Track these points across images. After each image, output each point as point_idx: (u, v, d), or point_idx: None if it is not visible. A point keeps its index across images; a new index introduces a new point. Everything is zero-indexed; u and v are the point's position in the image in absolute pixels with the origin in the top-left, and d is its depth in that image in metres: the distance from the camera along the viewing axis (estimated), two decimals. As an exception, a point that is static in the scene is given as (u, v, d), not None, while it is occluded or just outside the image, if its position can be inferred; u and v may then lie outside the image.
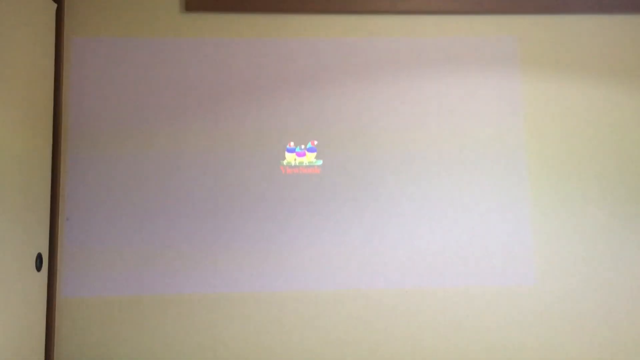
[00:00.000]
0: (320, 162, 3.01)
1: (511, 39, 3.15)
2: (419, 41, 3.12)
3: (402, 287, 2.95)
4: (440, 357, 2.93)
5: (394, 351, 2.92)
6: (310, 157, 3.01)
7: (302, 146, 3.02)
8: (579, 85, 3.14)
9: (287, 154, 3.01)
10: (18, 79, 2.54)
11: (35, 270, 2.69)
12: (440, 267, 2.97)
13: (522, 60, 3.14)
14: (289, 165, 3.00)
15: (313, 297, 2.93)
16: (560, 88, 3.13)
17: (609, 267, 3.03)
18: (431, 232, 2.99)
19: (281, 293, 2.92)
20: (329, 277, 2.94)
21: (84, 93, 2.98)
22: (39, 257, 2.72)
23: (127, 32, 3.03)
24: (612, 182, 3.08)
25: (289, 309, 2.92)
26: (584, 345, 2.97)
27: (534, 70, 3.14)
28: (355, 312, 2.94)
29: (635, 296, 3.02)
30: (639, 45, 3.18)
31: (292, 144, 3.02)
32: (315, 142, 3.02)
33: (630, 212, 3.06)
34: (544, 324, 2.97)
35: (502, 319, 2.97)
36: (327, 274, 2.94)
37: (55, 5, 2.94)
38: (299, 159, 3.01)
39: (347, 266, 2.95)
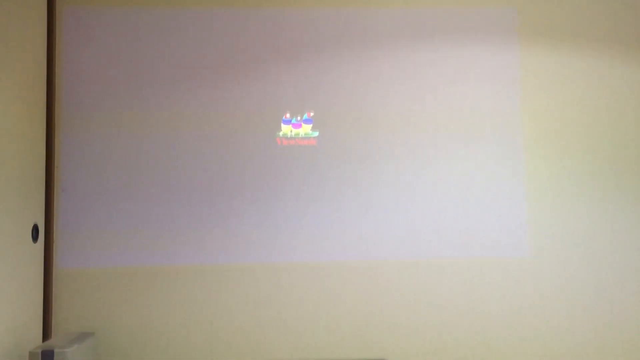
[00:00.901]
0: (316, 134, 3.00)
1: (511, 10, 3.11)
2: (417, 12, 3.07)
3: (397, 259, 2.97)
4: (435, 327, 2.96)
5: (389, 321, 2.94)
6: (306, 129, 2.99)
7: (298, 117, 3.00)
8: (577, 57, 3.11)
9: (283, 126, 2.99)
10: (9, 49, 2.51)
11: (32, 241, 2.70)
12: (435, 239, 2.98)
13: (521, 31, 3.10)
14: (285, 137, 2.99)
15: (308, 268, 2.95)
16: (559, 60, 3.10)
17: (602, 240, 3.04)
18: (427, 204, 2.99)
19: (276, 264, 2.94)
20: (324, 249, 2.95)
21: (77, 64, 2.94)
22: (35, 228, 2.72)
23: (120, 2, 2.98)
24: (608, 155, 3.07)
25: (284, 280, 2.94)
26: (576, 315, 3.00)
27: (532, 41, 3.10)
28: (351, 284, 2.96)
29: (626, 268, 3.03)
30: (637, 17, 3.14)
31: (288, 115, 3.00)
32: (312, 114, 3.00)
33: (625, 185, 3.06)
34: (537, 294, 3.00)
35: (497, 290, 2.99)
36: (322, 246, 2.95)
37: (46, -27, 2.89)
38: (295, 131, 2.99)
39: (343, 238, 2.96)
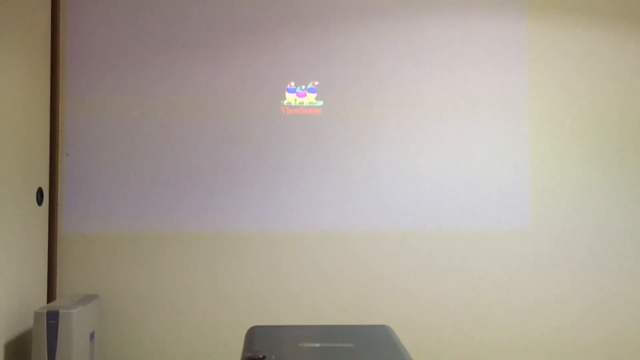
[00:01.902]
0: (320, 103, 2.99)
1: (519, -19, 3.07)
2: (425, -19, 3.04)
3: (400, 229, 2.99)
4: (436, 296, 2.99)
5: (391, 289, 2.97)
6: (310, 98, 2.99)
7: (303, 86, 2.99)
8: (586, 31, 3.08)
9: (287, 94, 2.98)
10: (13, 17, 2.49)
11: (37, 204, 2.72)
12: (438, 210, 3.00)
13: (530, 3, 3.07)
14: (289, 106, 2.98)
15: (311, 236, 2.97)
16: (567, 34, 3.07)
17: (604, 214, 3.05)
18: (430, 175, 3.00)
19: (279, 232, 2.96)
20: (327, 218, 2.97)
21: (81, 27, 2.92)
22: (40, 192, 2.74)
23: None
24: (613, 130, 3.07)
25: (286, 247, 2.97)
26: (575, 286, 3.03)
27: (541, 14, 3.07)
28: (353, 252, 2.98)
29: (627, 240, 3.05)
30: (649, -10, 3.11)
31: (292, 84, 2.99)
32: (316, 83, 2.99)
33: (629, 160, 3.06)
34: (538, 266, 3.02)
35: (499, 261, 3.01)
36: (325, 215, 2.97)
37: None
38: (299, 100, 2.98)
39: (346, 207, 2.97)
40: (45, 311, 2.42)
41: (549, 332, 3.01)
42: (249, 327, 2.90)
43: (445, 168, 3.01)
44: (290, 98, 2.98)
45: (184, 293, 2.93)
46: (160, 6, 2.95)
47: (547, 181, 3.04)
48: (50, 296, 2.84)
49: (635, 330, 3.03)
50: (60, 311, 2.42)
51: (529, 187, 3.03)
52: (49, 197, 2.85)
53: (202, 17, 2.97)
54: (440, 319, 2.98)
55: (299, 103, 2.98)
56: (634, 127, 3.07)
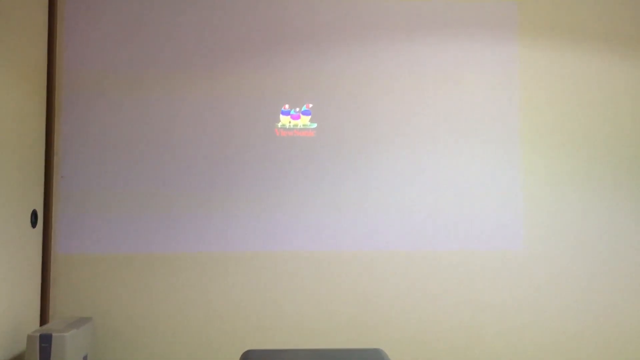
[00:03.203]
0: (314, 125, 3.02)
1: (511, 5, 3.13)
2: (417, 5, 3.09)
3: (393, 250, 3.00)
4: (429, 318, 2.99)
5: (384, 312, 2.98)
6: (304, 120, 3.02)
7: (297, 109, 3.02)
8: (577, 53, 3.13)
9: (282, 117, 3.01)
10: (10, 35, 2.52)
11: (31, 227, 2.72)
12: (431, 231, 3.01)
13: (521, 26, 3.12)
14: (284, 128, 3.01)
15: (305, 258, 2.98)
16: (558, 56, 3.12)
17: (596, 235, 3.07)
18: (424, 196, 3.02)
19: (273, 253, 2.97)
20: (321, 239, 2.98)
21: (78, 50, 2.95)
22: (34, 214, 2.75)
23: (121, -11, 2.99)
24: (604, 151, 3.10)
25: (281, 269, 2.97)
26: (569, 308, 3.04)
27: (532, 37, 3.12)
28: (347, 274, 2.99)
29: (619, 262, 3.07)
30: (636, 15, 3.16)
31: (287, 106, 3.02)
32: (310, 105, 3.02)
33: (619, 181, 3.09)
34: (531, 286, 3.03)
35: (491, 282, 3.02)
36: (319, 236, 2.98)
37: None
38: (293, 122, 3.01)
39: (339, 228, 2.99)
40: (38, 334, 2.41)
41: (542, 352, 3.01)
42: (242, 348, 2.92)
43: (438, 189, 3.03)
44: (284, 120, 3.01)
45: (178, 315, 2.93)
46: (156, 29, 2.99)
47: (540, 202, 3.06)
48: (43, 318, 2.83)
49: (629, 350, 3.04)
50: (54, 334, 2.41)
51: (522, 208, 3.05)
52: (44, 218, 2.85)
53: (197, 40, 3.00)
54: (434, 340, 2.99)
55: (293, 125, 3.01)
56: (624, 147, 3.11)
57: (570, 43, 3.13)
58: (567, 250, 3.06)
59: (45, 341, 2.40)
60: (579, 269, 3.06)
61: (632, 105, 3.13)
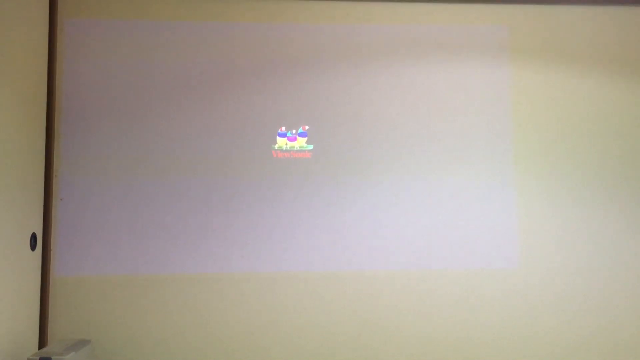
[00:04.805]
0: (311, 147, 3.06)
1: (501, 29, 3.20)
2: (411, 28, 3.15)
3: (389, 269, 3.03)
4: (426, 337, 3.01)
5: (381, 331, 2.99)
6: (301, 142, 3.06)
7: (294, 131, 3.07)
8: (567, 76, 3.20)
9: (278, 139, 3.05)
10: (11, 61, 2.56)
11: (30, 250, 2.74)
12: (427, 249, 3.04)
13: (512, 50, 3.18)
14: (280, 150, 3.05)
15: (302, 278, 3.00)
16: (549, 78, 3.19)
17: (590, 251, 3.11)
18: (419, 216, 3.06)
19: (271, 274, 2.99)
20: (318, 260, 3.00)
21: (77, 75, 3.00)
22: (33, 237, 2.77)
23: (122, 15, 3.04)
24: (596, 169, 3.15)
25: (278, 289, 2.99)
26: (564, 325, 3.06)
27: (523, 60, 3.19)
28: (343, 294, 3.01)
29: (615, 279, 3.10)
30: (627, 37, 3.24)
31: (283, 128, 3.06)
32: (307, 127, 3.07)
33: (613, 199, 3.14)
34: (526, 304, 3.06)
35: (487, 301, 3.05)
36: (316, 257, 3.00)
37: (49, -13, 2.95)
38: (290, 144, 3.05)
39: (336, 249, 3.01)
40: (37, 358, 2.41)
41: (539, 371, 3.03)
42: (241, 371, 2.92)
43: (434, 208, 3.07)
44: (281, 142, 3.05)
45: (177, 337, 2.94)
46: (153, 54, 3.04)
47: (534, 221, 3.10)
48: (42, 341, 2.83)
49: (624, 369, 3.06)
50: (53, 357, 2.42)
51: (516, 226, 3.09)
52: (42, 241, 2.87)
53: (194, 63, 3.05)
54: (431, 359, 3.00)
55: (290, 147, 3.05)
56: (616, 167, 3.16)
57: (561, 65, 3.20)
58: (562, 268, 3.09)
59: (45, 364, 2.41)
60: (574, 287, 3.09)
61: (621, 124, 3.19)
